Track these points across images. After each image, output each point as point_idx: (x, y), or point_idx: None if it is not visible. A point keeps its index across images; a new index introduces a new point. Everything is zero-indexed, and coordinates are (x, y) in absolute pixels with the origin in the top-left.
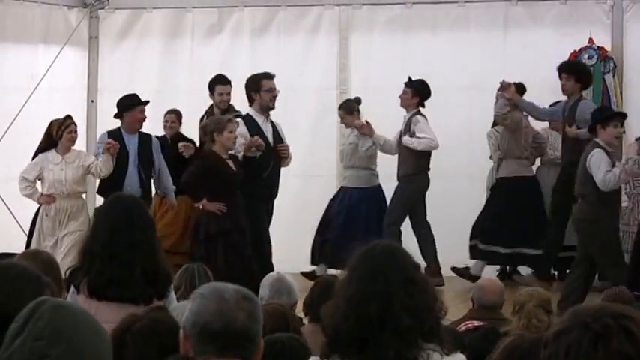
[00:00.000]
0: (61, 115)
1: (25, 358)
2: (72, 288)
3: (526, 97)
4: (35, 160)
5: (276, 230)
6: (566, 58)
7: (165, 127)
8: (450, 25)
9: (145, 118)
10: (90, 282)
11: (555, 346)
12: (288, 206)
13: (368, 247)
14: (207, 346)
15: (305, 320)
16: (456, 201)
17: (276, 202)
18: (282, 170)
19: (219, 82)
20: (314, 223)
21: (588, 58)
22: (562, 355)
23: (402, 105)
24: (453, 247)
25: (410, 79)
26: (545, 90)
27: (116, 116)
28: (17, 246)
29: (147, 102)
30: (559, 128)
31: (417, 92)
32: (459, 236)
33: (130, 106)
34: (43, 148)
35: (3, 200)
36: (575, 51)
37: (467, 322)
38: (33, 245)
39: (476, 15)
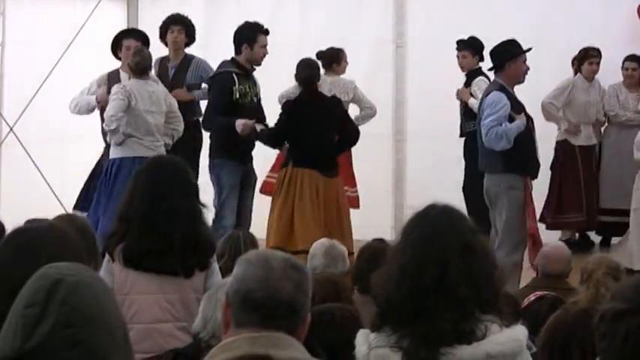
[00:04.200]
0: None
1: (59, 347)
2: (107, 256)
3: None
4: None
5: None
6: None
7: None
8: None
9: None
10: (125, 250)
11: (614, 327)
12: None
13: (423, 210)
14: (248, 316)
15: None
16: None
17: None
18: None
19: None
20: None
21: None
22: (619, 339)
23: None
24: None
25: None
26: (615, 44)
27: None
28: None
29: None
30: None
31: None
32: None
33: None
34: None
35: (34, 163)
36: None
37: (530, 293)
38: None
39: None
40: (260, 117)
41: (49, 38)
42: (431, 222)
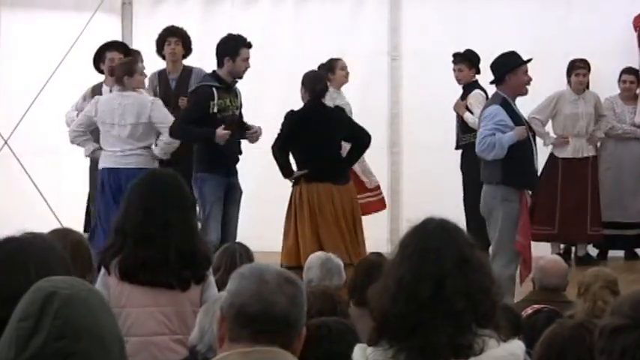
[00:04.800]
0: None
1: (52, 359)
2: (102, 270)
3: (592, 65)
4: None
5: None
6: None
7: None
8: None
9: None
10: (121, 264)
11: (611, 343)
12: None
13: (420, 223)
14: (242, 330)
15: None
16: None
17: None
18: None
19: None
20: None
21: None
22: (617, 355)
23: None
24: None
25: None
26: (611, 56)
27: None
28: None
29: None
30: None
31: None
32: None
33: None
34: None
35: (29, 176)
36: None
37: (527, 306)
38: None
39: None
40: (241, 129)
41: (44, 50)
42: (427, 236)
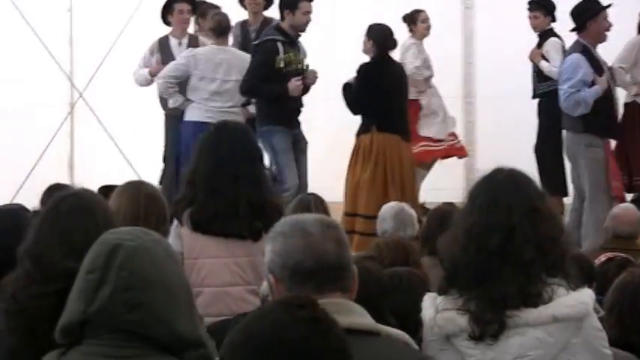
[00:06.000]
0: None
1: (119, 310)
2: (175, 221)
3: None
4: None
5: None
6: None
7: None
8: None
9: None
10: (193, 215)
11: None
12: None
13: (489, 173)
14: (302, 287)
15: None
16: None
17: None
18: None
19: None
20: None
21: None
22: None
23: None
24: None
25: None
26: None
27: None
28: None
29: None
30: None
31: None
32: None
33: None
34: None
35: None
36: None
37: (600, 254)
38: None
39: None
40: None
41: (116, 3)
42: (497, 186)
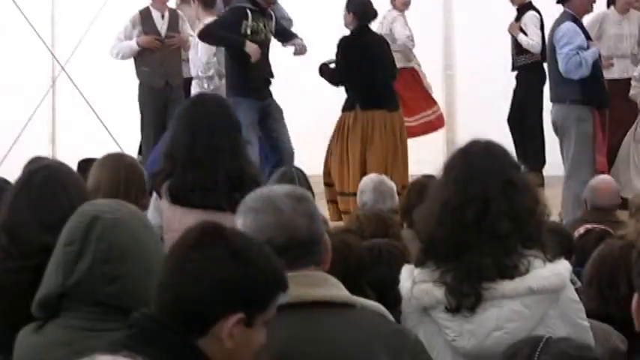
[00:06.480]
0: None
1: (98, 282)
2: (154, 194)
3: None
4: None
5: None
6: None
7: None
8: None
9: None
10: (172, 187)
11: None
12: None
13: (464, 146)
14: None
15: None
16: None
17: None
18: None
19: None
20: None
21: None
22: None
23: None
24: None
25: None
26: None
27: None
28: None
29: None
30: None
31: None
32: None
33: None
34: None
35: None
36: None
37: (579, 226)
38: None
39: None
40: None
41: None
42: (472, 158)
